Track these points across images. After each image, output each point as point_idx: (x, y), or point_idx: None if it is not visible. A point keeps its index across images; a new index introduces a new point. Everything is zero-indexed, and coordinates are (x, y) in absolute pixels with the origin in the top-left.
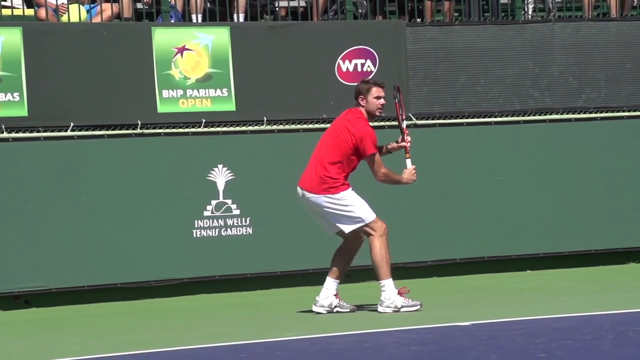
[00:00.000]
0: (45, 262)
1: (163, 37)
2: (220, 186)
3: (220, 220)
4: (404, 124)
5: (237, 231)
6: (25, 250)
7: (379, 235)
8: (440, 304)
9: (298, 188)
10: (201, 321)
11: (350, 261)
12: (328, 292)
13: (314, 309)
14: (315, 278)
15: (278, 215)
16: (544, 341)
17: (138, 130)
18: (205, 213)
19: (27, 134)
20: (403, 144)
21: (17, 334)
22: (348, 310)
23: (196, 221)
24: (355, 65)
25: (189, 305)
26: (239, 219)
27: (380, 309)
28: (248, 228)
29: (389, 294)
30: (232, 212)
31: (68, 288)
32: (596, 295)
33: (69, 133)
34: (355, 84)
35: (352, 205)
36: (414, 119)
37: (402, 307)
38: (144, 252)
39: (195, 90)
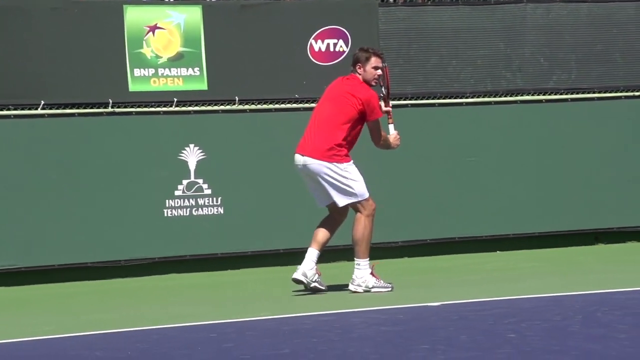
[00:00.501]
0: (14, 241)
1: (135, 15)
2: (192, 166)
3: (191, 200)
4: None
5: (208, 211)
6: None
7: (367, 215)
8: (410, 285)
9: (297, 156)
10: (172, 301)
11: (333, 233)
12: (312, 264)
13: (295, 275)
14: (287, 258)
15: (249, 195)
16: (514, 321)
17: (109, 109)
18: (177, 192)
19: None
20: (387, 109)
21: None
22: (324, 288)
23: (167, 200)
24: (328, 45)
25: (159, 285)
26: (210, 199)
27: (351, 287)
28: (219, 208)
29: (362, 273)
30: (203, 191)
31: (38, 267)
32: (565, 276)
33: (39, 111)
34: (326, 64)
35: (352, 180)
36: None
37: (373, 287)
38: (115, 231)
39: (167, 69)
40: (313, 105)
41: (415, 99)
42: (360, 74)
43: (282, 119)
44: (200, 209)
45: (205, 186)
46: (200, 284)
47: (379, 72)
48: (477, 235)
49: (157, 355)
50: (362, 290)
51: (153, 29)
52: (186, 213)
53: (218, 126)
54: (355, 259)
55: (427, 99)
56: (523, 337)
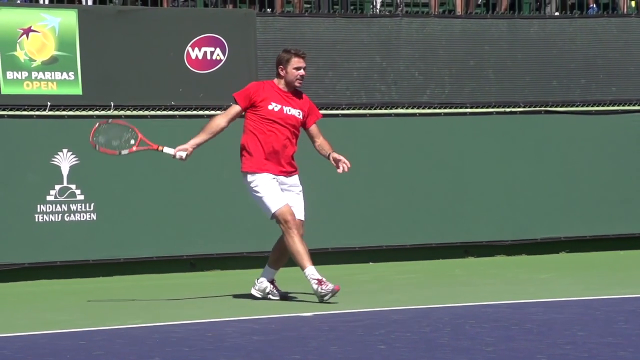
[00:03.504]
0: None
1: (8, 17)
2: (65, 171)
3: (63, 206)
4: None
5: (80, 217)
6: None
7: (285, 230)
8: None
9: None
10: (40, 307)
11: (282, 253)
12: (264, 277)
13: (252, 291)
14: (158, 266)
15: (122, 201)
16: (384, 333)
17: None
18: (49, 198)
19: None
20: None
21: None
22: (278, 297)
23: (38, 206)
24: (205, 53)
25: (28, 291)
26: (83, 205)
27: (319, 293)
28: (92, 214)
29: (312, 284)
30: (76, 197)
31: None
32: (435, 288)
33: None
34: (203, 72)
35: (261, 193)
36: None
37: (269, 293)
38: None
39: (41, 73)
40: (189, 112)
41: None
42: (282, 77)
43: (158, 126)
44: (72, 215)
45: (78, 192)
46: (70, 290)
47: (302, 72)
48: (349, 247)
49: None
50: (258, 296)
51: (27, 31)
52: (58, 218)
53: None
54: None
55: None
56: (392, 348)
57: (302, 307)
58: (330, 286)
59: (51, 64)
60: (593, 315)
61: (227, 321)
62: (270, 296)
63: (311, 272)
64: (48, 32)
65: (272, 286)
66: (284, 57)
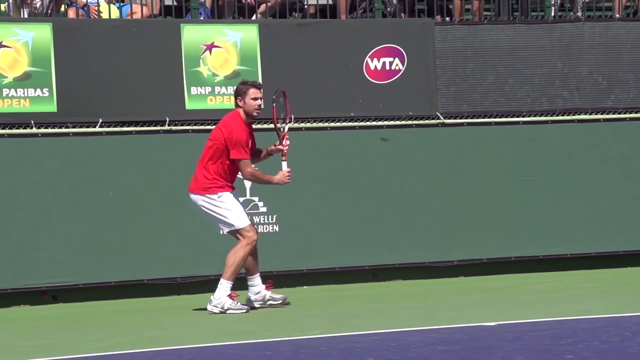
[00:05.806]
0: (73, 258)
1: (192, 34)
2: (248, 183)
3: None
4: (285, 127)
5: (264, 229)
6: (53, 246)
7: (244, 244)
8: (465, 304)
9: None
10: (229, 319)
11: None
12: (258, 288)
13: (253, 301)
14: (340, 276)
15: (304, 213)
16: (571, 342)
17: (166, 127)
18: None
19: (57, 130)
20: (280, 147)
21: (43, 329)
22: (279, 302)
23: None
24: (384, 63)
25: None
26: (266, 217)
27: (209, 307)
28: (274, 225)
29: (221, 293)
30: (258, 209)
31: (95, 284)
32: (623, 296)
33: (97, 129)
34: (382, 82)
35: (226, 210)
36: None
37: (228, 309)
38: (171, 248)
39: (224, 88)
40: (369, 123)
41: (471, 118)
42: (241, 107)
43: (339, 137)
44: (256, 227)
45: (260, 204)
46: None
47: (259, 102)
48: (532, 255)
49: None
50: (218, 311)
51: (210, 47)
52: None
53: None
54: (220, 278)
55: (483, 118)
56: (581, 357)
57: (484, 317)
58: (243, 308)
59: (234, 79)
60: None
61: (409, 331)
62: (270, 302)
63: (228, 285)
64: (230, 47)
65: (269, 293)
66: (241, 89)
